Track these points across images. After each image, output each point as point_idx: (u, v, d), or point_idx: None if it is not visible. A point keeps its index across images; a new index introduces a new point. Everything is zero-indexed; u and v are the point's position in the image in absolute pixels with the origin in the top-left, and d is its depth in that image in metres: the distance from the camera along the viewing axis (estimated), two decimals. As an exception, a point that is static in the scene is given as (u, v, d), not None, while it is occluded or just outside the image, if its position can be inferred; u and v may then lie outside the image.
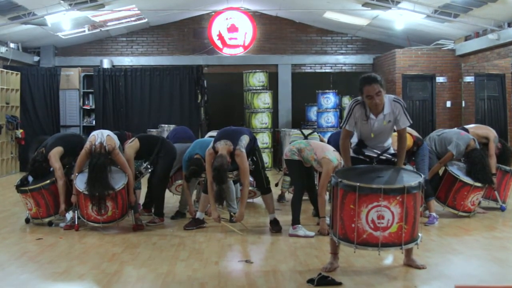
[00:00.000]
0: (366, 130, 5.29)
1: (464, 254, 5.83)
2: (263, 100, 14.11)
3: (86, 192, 6.75)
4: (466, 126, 8.37)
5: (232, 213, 7.42)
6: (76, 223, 7.00)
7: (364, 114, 5.20)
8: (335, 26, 16.62)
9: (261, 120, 14.08)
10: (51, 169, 7.26)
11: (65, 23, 13.70)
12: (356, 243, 4.70)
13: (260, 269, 5.25)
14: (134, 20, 15.78)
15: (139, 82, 15.24)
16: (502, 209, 8.08)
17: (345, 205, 4.74)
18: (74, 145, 7.39)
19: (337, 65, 17.32)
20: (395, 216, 4.62)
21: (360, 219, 4.65)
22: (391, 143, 5.48)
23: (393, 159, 5.38)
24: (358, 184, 4.64)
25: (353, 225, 4.69)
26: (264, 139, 13.90)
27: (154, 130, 13.95)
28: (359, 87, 5.18)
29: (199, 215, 7.08)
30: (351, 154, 5.42)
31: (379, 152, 5.38)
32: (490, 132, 8.08)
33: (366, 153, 5.37)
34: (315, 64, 17.31)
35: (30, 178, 7.37)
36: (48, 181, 7.16)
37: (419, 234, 4.90)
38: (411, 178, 4.86)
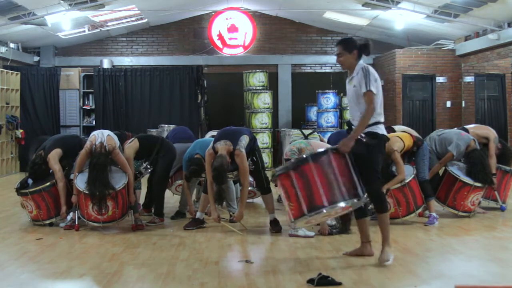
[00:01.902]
0: (346, 96, 5.67)
1: (464, 254, 5.83)
2: (263, 100, 14.12)
3: (86, 192, 6.75)
4: (466, 126, 8.36)
5: (232, 213, 7.42)
6: (76, 223, 7.00)
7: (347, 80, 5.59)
8: (335, 26, 16.62)
9: (261, 120, 14.08)
10: (51, 171, 7.26)
11: (65, 23, 13.71)
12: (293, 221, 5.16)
13: (260, 269, 5.25)
14: (134, 20, 15.78)
15: (139, 82, 15.26)
16: (502, 209, 8.08)
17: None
18: (73, 147, 7.38)
19: (337, 65, 17.24)
20: (283, 195, 5.17)
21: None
22: (377, 119, 5.35)
23: (364, 139, 5.27)
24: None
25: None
26: (264, 139, 13.90)
27: (154, 130, 13.96)
28: None
29: (199, 215, 7.08)
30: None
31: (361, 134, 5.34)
32: (490, 132, 8.08)
33: (352, 127, 5.44)
34: (315, 64, 17.32)
35: (30, 181, 7.36)
36: (48, 183, 7.16)
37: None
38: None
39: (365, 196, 5.14)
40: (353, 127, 5.37)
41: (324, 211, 4.95)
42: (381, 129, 5.38)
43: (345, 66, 5.46)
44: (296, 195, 5.02)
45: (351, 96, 5.43)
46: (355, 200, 5.06)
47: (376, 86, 5.30)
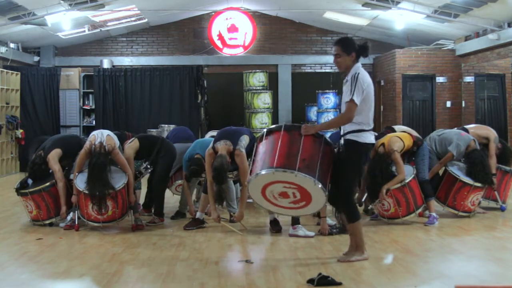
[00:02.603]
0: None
1: (464, 254, 5.83)
2: (263, 100, 14.12)
3: (86, 192, 6.75)
4: (466, 126, 8.36)
5: (232, 213, 7.42)
6: (76, 223, 7.00)
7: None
8: (335, 26, 16.62)
9: (261, 120, 14.08)
10: (50, 171, 7.26)
11: (65, 23, 13.71)
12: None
13: (260, 269, 5.25)
14: (134, 20, 15.78)
15: (139, 82, 15.25)
16: (502, 209, 8.07)
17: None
18: (73, 147, 7.38)
19: (337, 65, 17.28)
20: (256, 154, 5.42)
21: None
22: (361, 126, 5.31)
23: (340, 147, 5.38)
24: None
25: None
26: (264, 139, 13.88)
27: (154, 130, 13.95)
28: None
29: (199, 215, 7.08)
30: None
31: (345, 131, 5.36)
32: (490, 132, 8.08)
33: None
34: (315, 64, 17.32)
35: (30, 181, 7.36)
36: (48, 184, 7.16)
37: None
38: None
39: (320, 186, 5.01)
40: (345, 129, 5.34)
41: (273, 171, 5.05)
42: (364, 137, 5.29)
43: (342, 67, 5.37)
44: (263, 153, 5.26)
45: (345, 99, 5.38)
46: (307, 178, 4.99)
47: (364, 95, 5.20)
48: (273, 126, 5.45)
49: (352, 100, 5.16)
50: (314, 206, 5.30)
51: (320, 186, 5.01)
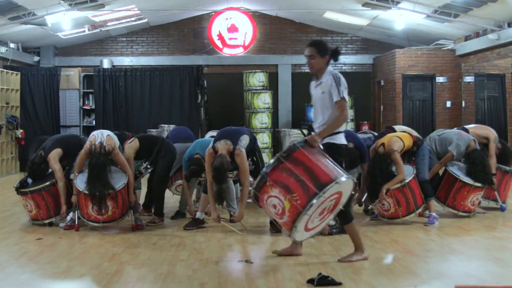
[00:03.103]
0: (312, 100, 5.60)
1: (464, 254, 5.83)
2: (263, 100, 14.13)
3: (86, 192, 6.75)
4: (466, 126, 8.36)
5: (232, 213, 7.42)
6: (76, 223, 7.00)
7: (313, 83, 5.59)
8: (335, 26, 16.62)
9: (261, 120, 14.09)
10: (50, 170, 7.26)
11: (65, 23, 13.71)
12: (290, 234, 4.92)
13: (260, 269, 5.25)
14: (134, 20, 15.78)
15: (139, 82, 15.26)
16: (502, 209, 8.07)
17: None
18: (73, 147, 7.38)
19: (337, 65, 17.27)
20: (279, 196, 4.80)
21: (272, 213, 4.99)
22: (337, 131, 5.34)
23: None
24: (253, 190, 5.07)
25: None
26: (264, 139, 13.91)
27: (154, 130, 13.96)
28: None
29: (199, 215, 7.08)
30: None
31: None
32: (490, 133, 8.08)
33: (312, 133, 5.33)
34: (315, 64, 17.26)
35: (29, 180, 7.36)
36: (48, 183, 7.16)
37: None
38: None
39: (350, 178, 5.02)
40: (312, 133, 5.31)
41: (335, 184, 4.77)
42: (340, 139, 5.38)
43: (315, 69, 5.45)
44: (297, 182, 4.77)
45: (318, 102, 5.46)
46: (346, 177, 4.93)
47: (346, 94, 5.33)
48: (287, 149, 5.03)
49: (343, 98, 5.28)
50: (344, 199, 5.19)
51: (350, 177, 5.02)
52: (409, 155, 7.48)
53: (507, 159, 8.21)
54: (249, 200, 7.08)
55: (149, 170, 7.46)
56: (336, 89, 5.27)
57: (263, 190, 4.88)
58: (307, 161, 4.87)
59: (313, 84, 5.56)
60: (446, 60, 15.04)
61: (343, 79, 5.34)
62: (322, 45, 5.50)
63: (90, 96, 15.94)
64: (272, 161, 4.93)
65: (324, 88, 5.35)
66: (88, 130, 14.83)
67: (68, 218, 7.14)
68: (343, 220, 5.42)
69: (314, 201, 4.71)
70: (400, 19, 13.90)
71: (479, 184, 7.43)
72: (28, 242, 6.45)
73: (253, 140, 6.94)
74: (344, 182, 4.86)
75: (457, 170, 7.55)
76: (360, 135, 8.34)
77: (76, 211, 7.00)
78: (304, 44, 16.96)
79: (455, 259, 5.65)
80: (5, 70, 13.86)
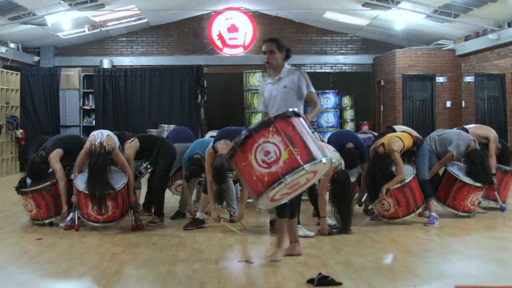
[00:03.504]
0: (267, 97, 5.62)
1: (464, 254, 5.83)
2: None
3: (86, 192, 6.75)
4: (466, 126, 8.36)
5: (232, 213, 7.42)
6: (76, 223, 7.00)
7: (266, 79, 5.67)
8: (335, 26, 16.62)
9: (261, 120, 14.08)
10: (50, 170, 7.26)
11: (65, 23, 13.71)
12: (265, 191, 4.52)
13: (260, 269, 5.25)
14: (134, 20, 15.78)
15: (139, 82, 15.26)
16: (502, 209, 8.07)
17: (240, 169, 4.68)
18: (74, 147, 7.38)
19: (337, 65, 17.32)
20: (278, 145, 4.55)
21: (254, 167, 4.55)
22: None
23: None
24: (233, 142, 4.68)
25: (254, 178, 4.56)
26: (264, 139, 13.89)
27: (154, 130, 13.96)
28: None
29: (199, 215, 7.08)
30: None
31: None
32: (490, 132, 8.08)
33: None
34: (315, 64, 17.31)
35: (29, 180, 7.36)
36: (48, 183, 7.16)
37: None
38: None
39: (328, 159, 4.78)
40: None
41: (326, 160, 4.65)
42: None
43: (274, 64, 5.56)
44: (301, 140, 4.61)
45: (279, 96, 5.54)
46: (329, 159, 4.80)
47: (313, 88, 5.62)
48: (261, 122, 4.83)
49: (314, 91, 5.69)
50: (311, 182, 5.12)
51: (328, 159, 4.80)
52: (409, 155, 7.48)
53: (507, 159, 8.21)
54: (249, 200, 7.09)
55: (149, 170, 7.47)
56: (305, 83, 5.55)
57: (262, 133, 4.59)
58: (304, 128, 4.77)
59: (267, 80, 5.67)
60: (446, 60, 15.05)
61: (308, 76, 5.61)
62: (280, 41, 5.62)
63: (90, 96, 15.94)
64: (281, 112, 4.76)
65: (288, 83, 5.52)
66: (88, 130, 14.83)
67: (68, 218, 7.14)
68: (280, 212, 5.37)
69: (314, 161, 4.58)
70: (400, 19, 13.90)
71: (479, 184, 7.43)
72: (28, 242, 6.45)
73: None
74: (327, 163, 4.78)
75: (457, 170, 7.55)
76: (360, 135, 8.35)
77: (76, 211, 7.00)
78: (304, 44, 17.12)
79: (455, 259, 5.65)
80: (5, 70, 13.86)
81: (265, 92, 5.69)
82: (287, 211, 5.46)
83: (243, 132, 4.64)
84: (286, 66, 5.63)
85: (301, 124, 4.76)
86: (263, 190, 4.53)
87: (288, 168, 4.50)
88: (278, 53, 5.53)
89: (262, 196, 4.56)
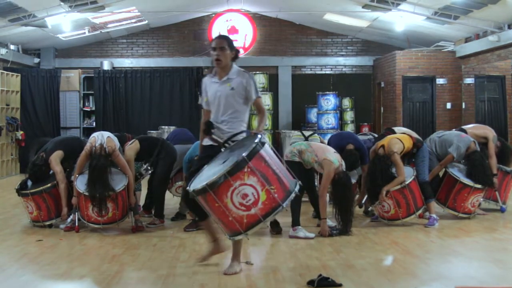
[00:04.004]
0: (211, 96, 5.25)
1: (464, 256, 5.83)
2: (263, 101, 14.09)
3: (86, 193, 6.75)
4: (464, 127, 8.35)
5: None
6: (77, 224, 7.00)
7: (210, 77, 5.31)
8: (335, 27, 16.63)
9: (261, 121, 14.06)
10: (51, 172, 7.27)
11: (65, 24, 13.71)
12: (243, 231, 4.55)
13: (260, 271, 5.25)
14: (134, 22, 15.78)
15: (139, 83, 15.28)
16: (502, 210, 8.07)
17: (212, 208, 4.60)
18: (74, 148, 7.39)
19: (337, 66, 17.33)
20: (255, 186, 4.47)
21: (230, 209, 4.49)
22: (245, 127, 5.23)
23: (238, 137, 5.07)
24: (205, 184, 4.45)
25: (230, 218, 4.53)
26: (264, 141, 13.88)
27: (154, 131, 13.96)
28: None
29: (199, 216, 7.07)
30: (204, 142, 5.28)
31: (224, 139, 5.06)
32: (489, 132, 8.07)
33: (214, 137, 5.10)
34: (315, 65, 17.32)
35: (29, 182, 7.37)
36: (49, 185, 7.17)
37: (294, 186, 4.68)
38: (248, 143, 4.70)
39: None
40: (219, 128, 5.12)
41: (296, 190, 4.71)
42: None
43: (223, 63, 5.20)
44: (275, 174, 4.61)
45: (223, 98, 5.18)
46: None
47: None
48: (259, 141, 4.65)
49: (261, 96, 5.36)
50: None
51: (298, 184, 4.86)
52: (409, 156, 7.49)
53: (506, 157, 8.18)
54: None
55: (149, 172, 7.47)
56: (254, 87, 5.22)
57: (237, 176, 4.45)
58: (272, 157, 4.74)
59: (213, 79, 5.28)
60: (446, 62, 15.05)
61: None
62: (231, 39, 5.37)
63: (90, 97, 15.94)
64: (251, 148, 4.53)
65: (236, 85, 5.18)
66: (88, 131, 14.83)
67: (69, 219, 7.14)
68: (202, 214, 5.19)
69: (290, 196, 4.63)
70: (400, 21, 13.90)
71: (479, 186, 7.43)
72: (28, 244, 6.45)
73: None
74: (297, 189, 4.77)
75: (457, 172, 7.55)
76: (360, 137, 8.36)
77: (77, 213, 7.00)
78: (304, 45, 17.13)
79: (455, 260, 5.65)
80: (6, 72, 13.86)
81: (209, 91, 5.29)
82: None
83: (216, 176, 4.43)
84: (235, 66, 5.31)
85: (268, 154, 4.69)
86: (242, 231, 4.56)
87: (267, 209, 4.52)
88: (229, 51, 5.23)
89: (240, 235, 4.62)
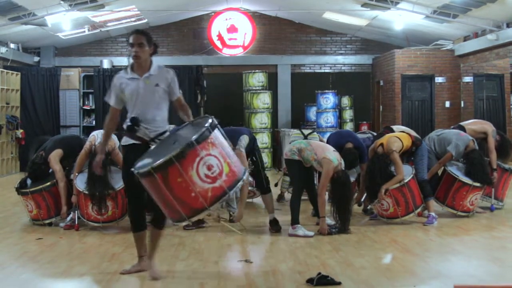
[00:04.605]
0: (130, 94, 5.02)
1: (463, 254, 5.85)
2: (263, 100, 14.13)
3: (86, 192, 6.77)
4: (462, 123, 8.35)
5: (231, 213, 7.44)
6: (76, 223, 7.01)
7: (126, 73, 5.10)
8: (334, 26, 16.63)
9: (261, 120, 14.09)
10: (50, 171, 7.28)
11: (65, 23, 13.71)
12: (208, 206, 4.32)
13: (259, 269, 5.27)
14: (134, 21, 15.77)
15: (139, 82, 15.23)
16: (491, 209, 8.02)
17: (172, 185, 4.27)
18: (74, 147, 7.40)
19: (336, 65, 17.34)
20: (218, 157, 4.36)
21: (195, 183, 4.26)
22: (167, 127, 5.07)
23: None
24: (171, 155, 4.20)
25: (193, 194, 4.27)
26: (263, 139, 13.91)
27: (153, 130, 13.94)
28: (127, 38, 5.10)
29: (199, 215, 7.07)
30: (123, 142, 5.06)
31: (151, 137, 4.90)
32: (487, 126, 8.07)
33: (138, 135, 4.90)
34: (314, 64, 17.33)
35: (29, 181, 7.38)
36: (49, 183, 7.18)
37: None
38: (201, 123, 4.61)
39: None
40: (143, 125, 4.90)
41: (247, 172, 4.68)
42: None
43: (142, 59, 5.02)
44: (229, 149, 4.58)
45: (148, 95, 4.98)
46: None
47: None
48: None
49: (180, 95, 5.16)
50: None
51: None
52: (408, 155, 7.50)
53: (506, 150, 8.15)
54: (249, 200, 7.12)
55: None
56: (176, 84, 5.11)
57: (203, 145, 4.30)
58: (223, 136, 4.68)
59: (131, 76, 5.07)
60: (445, 61, 15.06)
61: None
62: (149, 35, 5.15)
63: (90, 96, 15.93)
64: (210, 121, 4.53)
65: (160, 81, 5.02)
66: (88, 130, 14.82)
67: (68, 218, 7.16)
68: (136, 226, 5.08)
69: (246, 171, 4.58)
70: (399, 20, 13.91)
71: (478, 184, 7.45)
72: (28, 242, 6.46)
73: (252, 140, 6.95)
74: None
75: (456, 170, 7.57)
76: (359, 135, 8.36)
77: (76, 211, 7.01)
78: (303, 44, 17.14)
79: (454, 258, 5.66)
80: (5, 70, 13.87)
81: (127, 89, 5.05)
82: (143, 224, 5.09)
83: (181, 144, 4.25)
84: (155, 62, 5.15)
85: (220, 135, 4.61)
86: (206, 206, 4.31)
87: (231, 181, 4.38)
88: (147, 47, 5.03)
89: (202, 212, 4.37)
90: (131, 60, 5.08)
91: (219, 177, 4.32)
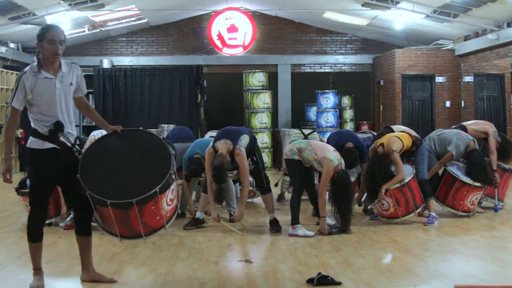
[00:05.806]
0: (46, 95, 4.56)
1: (464, 254, 5.84)
2: (263, 100, 14.12)
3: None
4: (464, 123, 8.34)
5: (231, 213, 7.43)
6: (76, 223, 6.99)
7: (34, 72, 4.64)
8: (334, 26, 16.63)
9: (261, 120, 14.09)
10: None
11: (65, 23, 13.69)
12: (165, 225, 4.59)
13: (259, 269, 5.26)
14: (134, 20, 15.78)
15: (139, 82, 15.26)
16: (495, 209, 8.02)
17: (145, 212, 4.43)
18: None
19: (336, 65, 17.33)
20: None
21: (163, 208, 4.51)
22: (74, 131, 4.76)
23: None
24: (157, 188, 4.36)
25: (158, 217, 4.52)
26: (263, 139, 13.91)
27: (153, 130, 13.94)
28: (41, 33, 4.79)
29: (198, 214, 7.08)
30: (36, 145, 4.88)
31: (72, 142, 4.66)
32: (489, 127, 8.06)
33: (62, 140, 4.62)
34: (314, 64, 17.32)
35: (28, 181, 7.37)
36: (48, 183, 7.15)
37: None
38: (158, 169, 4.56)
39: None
40: (68, 131, 4.64)
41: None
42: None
43: (59, 57, 4.69)
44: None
45: (63, 96, 4.61)
46: None
47: None
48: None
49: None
50: None
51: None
52: (408, 155, 7.49)
53: (507, 152, 8.14)
54: (249, 200, 7.11)
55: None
56: (84, 82, 4.81)
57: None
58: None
59: (42, 75, 4.60)
60: (446, 60, 15.05)
61: None
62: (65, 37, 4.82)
63: (90, 96, 15.89)
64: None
65: (73, 80, 4.68)
66: (88, 129, 14.84)
67: (68, 218, 7.15)
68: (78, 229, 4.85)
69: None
70: (400, 19, 13.91)
71: (478, 184, 7.44)
72: (28, 242, 6.44)
73: (253, 140, 6.94)
74: None
75: (457, 170, 7.56)
76: (360, 135, 8.36)
77: (76, 211, 6.99)
78: (303, 44, 17.14)
79: (455, 258, 5.66)
80: (5, 70, 13.87)
81: (38, 89, 4.56)
82: (85, 228, 4.84)
83: (162, 174, 4.41)
84: (61, 59, 4.73)
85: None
86: (164, 225, 4.57)
87: (177, 201, 4.78)
88: (64, 43, 4.70)
89: (160, 230, 4.61)
90: (35, 58, 4.80)
91: (176, 198, 4.70)
